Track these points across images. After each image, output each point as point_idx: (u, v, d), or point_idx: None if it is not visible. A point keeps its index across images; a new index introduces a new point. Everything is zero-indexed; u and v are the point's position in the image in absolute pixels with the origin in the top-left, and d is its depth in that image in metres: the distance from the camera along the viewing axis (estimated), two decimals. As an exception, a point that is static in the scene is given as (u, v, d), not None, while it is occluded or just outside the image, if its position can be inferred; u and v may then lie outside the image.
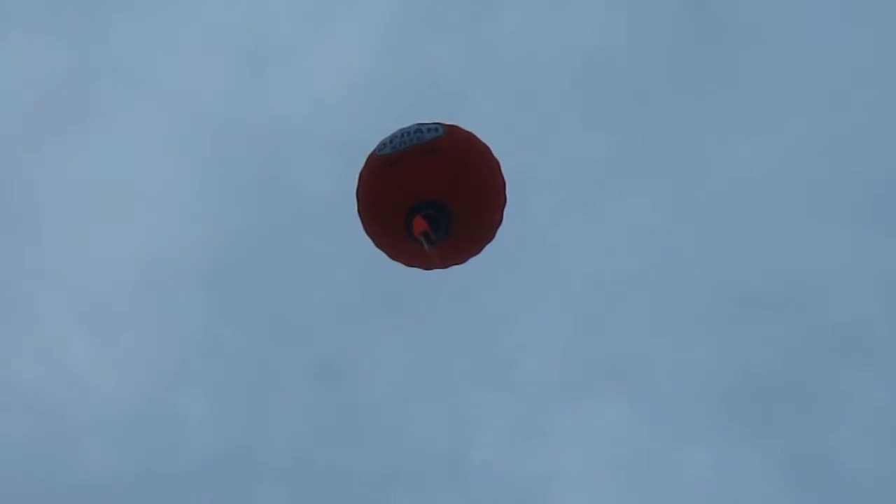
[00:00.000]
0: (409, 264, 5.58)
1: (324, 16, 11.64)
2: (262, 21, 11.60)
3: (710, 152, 11.15)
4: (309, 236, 10.82)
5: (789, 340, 10.73)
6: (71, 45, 11.28)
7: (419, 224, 5.10)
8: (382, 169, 5.19)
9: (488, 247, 5.57)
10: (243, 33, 11.61)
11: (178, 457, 10.90)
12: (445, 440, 11.10)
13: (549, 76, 11.25)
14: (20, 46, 11.15)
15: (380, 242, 5.47)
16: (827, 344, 10.65)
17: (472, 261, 5.62)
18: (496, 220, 5.49)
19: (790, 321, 10.75)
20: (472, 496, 10.86)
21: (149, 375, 11.09)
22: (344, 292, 10.92)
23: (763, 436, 10.73)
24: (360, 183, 5.36)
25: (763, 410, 10.74)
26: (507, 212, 5.51)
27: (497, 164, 5.42)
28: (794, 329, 10.73)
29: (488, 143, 5.46)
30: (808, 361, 10.67)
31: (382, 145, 5.25)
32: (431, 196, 5.13)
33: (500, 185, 5.43)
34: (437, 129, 5.21)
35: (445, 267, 5.58)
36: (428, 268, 5.56)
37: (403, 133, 5.20)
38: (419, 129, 5.21)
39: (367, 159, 5.32)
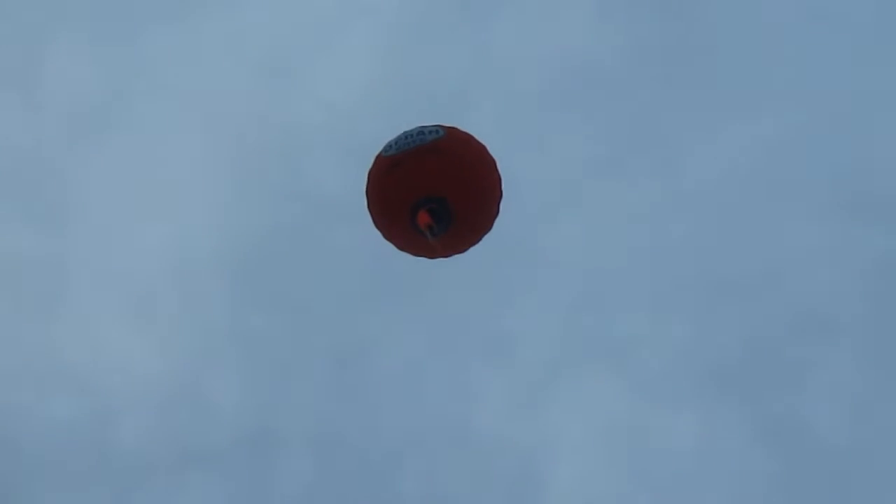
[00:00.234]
0: (416, 254, 5.63)
1: (336, 28, 11.64)
2: (280, 32, 11.60)
3: (690, 148, 11.12)
4: (325, 230, 10.80)
5: (764, 320, 10.73)
6: (109, 57, 11.31)
7: (423, 218, 5.15)
8: (389, 168, 5.25)
9: (487, 237, 5.61)
10: (263, 44, 11.62)
11: (211, 431, 10.94)
12: (452, 412, 11.08)
13: (542, 80, 11.25)
14: (63, 58, 11.16)
15: (388, 235, 5.52)
16: (798, 323, 10.65)
17: (473, 250, 5.66)
18: (493, 213, 5.53)
19: (765, 303, 10.74)
20: (477, 463, 10.87)
21: (183, 359, 11.11)
22: (358, 280, 10.89)
23: (741, 406, 10.74)
24: (368, 181, 5.41)
25: (740, 383, 10.73)
26: (504, 205, 5.57)
27: (493, 162, 5.46)
28: (769, 310, 10.73)
29: (485, 143, 5.51)
30: (782, 339, 10.68)
31: (388, 147, 5.29)
32: (434, 192, 5.17)
33: (496, 180, 5.47)
34: (437, 131, 5.25)
35: (448, 256, 5.63)
36: (432, 257, 5.61)
37: (407, 135, 5.25)
38: (421, 131, 5.25)
39: (375, 160, 5.37)
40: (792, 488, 10.43)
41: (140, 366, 11.02)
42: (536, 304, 10.98)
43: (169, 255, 11.21)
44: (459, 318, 10.85)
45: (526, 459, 10.97)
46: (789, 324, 10.69)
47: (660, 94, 11.12)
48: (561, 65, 11.28)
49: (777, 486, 10.49)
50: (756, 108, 11.01)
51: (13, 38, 11.09)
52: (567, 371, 11.13)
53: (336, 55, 11.60)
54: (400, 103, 10.84)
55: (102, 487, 10.64)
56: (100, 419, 10.85)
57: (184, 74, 11.44)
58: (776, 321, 10.66)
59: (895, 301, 10.53)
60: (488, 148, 5.47)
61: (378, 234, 5.57)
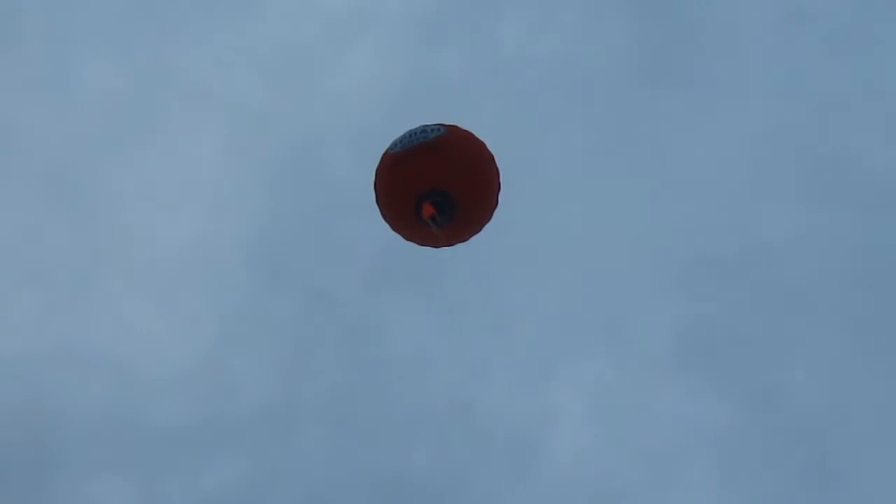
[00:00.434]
0: (421, 244, 5.65)
1: (349, 34, 11.64)
2: (295, 37, 11.62)
3: (675, 139, 11.15)
4: (337, 221, 10.86)
5: (746, 298, 10.77)
6: (138, 62, 11.34)
7: (427, 209, 5.18)
8: (394, 164, 5.28)
9: (488, 226, 5.62)
10: (280, 48, 11.64)
11: (232, 407, 11.00)
12: (458, 389, 11.13)
13: (539, 80, 11.26)
14: (95, 63, 11.19)
15: (395, 226, 5.55)
16: (778, 301, 10.69)
17: (474, 239, 5.67)
18: (493, 204, 5.54)
19: (747, 282, 10.78)
20: (482, 435, 10.93)
21: (205, 339, 11.16)
22: (368, 268, 10.93)
23: (725, 377, 10.78)
24: (376, 177, 5.44)
25: (725, 356, 10.77)
26: (503, 196, 5.58)
27: (492, 157, 5.47)
28: (750, 288, 10.77)
29: (484, 139, 5.54)
30: (762, 315, 10.72)
31: (394, 144, 5.32)
32: (436, 186, 5.20)
33: (494, 174, 5.49)
34: (439, 129, 5.27)
35: (451, 245, 5.65)
36: (437, 246, 5.64)
37: (411, 133, 5.27)
38: (424, 129, 5.27)
39: (382, 157, 5.40)
40: (775, 456, 10.47)
41: (165, 345, 11.08)
42: (535, 287, 11.02)
43: (194, 245, 11.26)
44: (464, 301, 10.91)
45: (526, 432, 11.05)
46: (773, 303, 10.71)
47: (645, 89, 11.14)
48: (554, 65, 11.29)
49: (761, 453, 10.54)
50: (737, 104, 11.03)
51: (50, 44, 11.13)
52: (564, 349, 11.18)
53: (347, 58, 11.63)
54: (406, 102, 10.89)
55: (134, 463, 10.72)
56: (128, 396, 10.93)
57: (207, 77, 11.48)
58: (757, 297, 10.70)
59: (871, 282, 10.56)
60: (487, 144, 5.49)
61: (386, 225, 5.59)
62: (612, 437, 10.97)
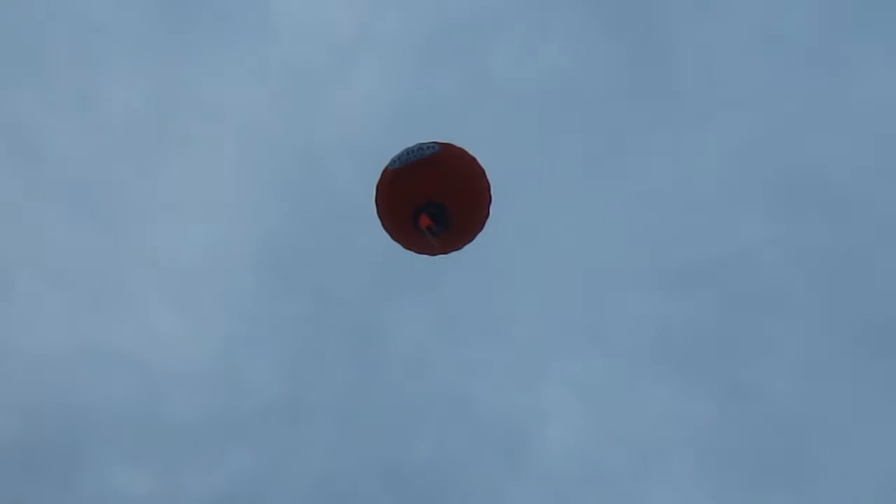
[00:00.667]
0: (419, 252, 5.66)
1: (354, 55, 11.64)
2: (303, 59, 11.60)
3: (657, 152, 11.10)
4: (342, 230, 10.87)
5: (724, 299, 10.76)
6: (157, 81, 11.34)
7: (424, 220, 5.21)
8: (393, 179, 5.30)
9: (481, 235, 5.65)
10: (289, 68, 11.62)
11: (245, 402, 11.01)
12: (456, 384, 11.15)
13: (529, 97, 11.24)
14: (119, 86, 11.20)
15: (394, 236, 5.56)
16: (754, 302, 10.67)
17: (469, 246, 5.69)
18: (484, 215, 5.57)
19: (725, 284, 10.76)
20: (478, 427, 10.94)
21: (219, 339, 11.17)
22: (370, 274, 10.95)
23: (705, 374, 10.77)
24: (377, 191, 5.45)
25: (705, 355, 10.75)
26: (494, 208, 5.59)
27: (483, 171, 5.49)
28: (728, 290, 10.75)
29: (478, 153, 5.52)
30: (739, 316, 10.70)
31: (393, 161, 5.34)
32: (432, 198, 5.23)
33: (485, 187, 5.51)
34: (434, 147, 5.30)
35: (447, 253, 5.66)
36: (433, 254, 5.65)
37: (409, 151, 5.29)
38: (420, 147, 5.30)
39: (382, 172, 5.42)
40: (752, 448, 10.47)
41: (182, 344, 11.08)
42: (527, 291, 11.01)
43: (209, 251, 11.26)
44: (460, 304, 10.91)
45: (519, 424, 11.03)
46: (749, 304, 10.70)
47: (628, 105, 11.11)
48: (544, 84, 11.28)
49: (739, 445, 10.53)
50: (716, 119, 11.00)
51: (77, 67, 11.13)
52: (554, 348, 11.17)
53: (352, 78, 11.63)
54: (406, 118, 10.89)
55: (154, 455, 10.73)
56: (148, 391, 10.94)
57: (222, 97, 11.47)
58: (733, 299, 10.69)
59: (840, 283, 10.54)
60: (479, 159, 5.49)
61: (386, 234, 5.59)
62: (598, 429, 10.97)
